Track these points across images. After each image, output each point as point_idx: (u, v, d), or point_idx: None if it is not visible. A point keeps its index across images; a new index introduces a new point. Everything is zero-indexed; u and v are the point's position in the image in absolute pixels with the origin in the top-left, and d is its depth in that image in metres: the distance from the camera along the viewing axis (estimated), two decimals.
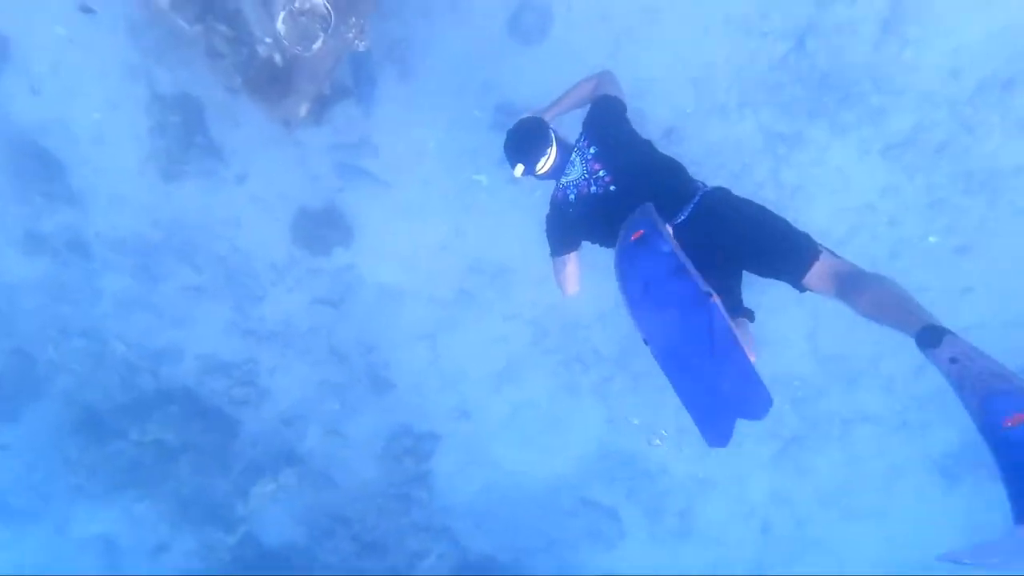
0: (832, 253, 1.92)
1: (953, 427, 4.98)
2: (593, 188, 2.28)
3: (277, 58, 2.78)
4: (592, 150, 2.32)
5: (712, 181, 2.19)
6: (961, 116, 3.86)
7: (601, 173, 2.29)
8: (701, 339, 1.69)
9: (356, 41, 2.83)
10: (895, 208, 4.19)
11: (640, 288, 1.81)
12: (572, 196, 2.33)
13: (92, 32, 3.76)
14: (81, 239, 4.38)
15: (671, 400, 5.24)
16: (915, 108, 3.86)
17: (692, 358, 1.74)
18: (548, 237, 2.50)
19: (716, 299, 1.65)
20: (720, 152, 4.20)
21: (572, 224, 2.37)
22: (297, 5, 2.77)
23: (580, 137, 2.44)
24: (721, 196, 2.12)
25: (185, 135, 3.78)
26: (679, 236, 1.97)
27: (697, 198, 2.08)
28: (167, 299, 4.44)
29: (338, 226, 4.23)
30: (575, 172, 2.34)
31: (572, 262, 2.55)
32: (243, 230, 4.29)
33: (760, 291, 2.23)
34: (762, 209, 2.07)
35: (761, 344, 4.94)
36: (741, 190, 2.16)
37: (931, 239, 4.28)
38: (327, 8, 2.78)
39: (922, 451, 5.13)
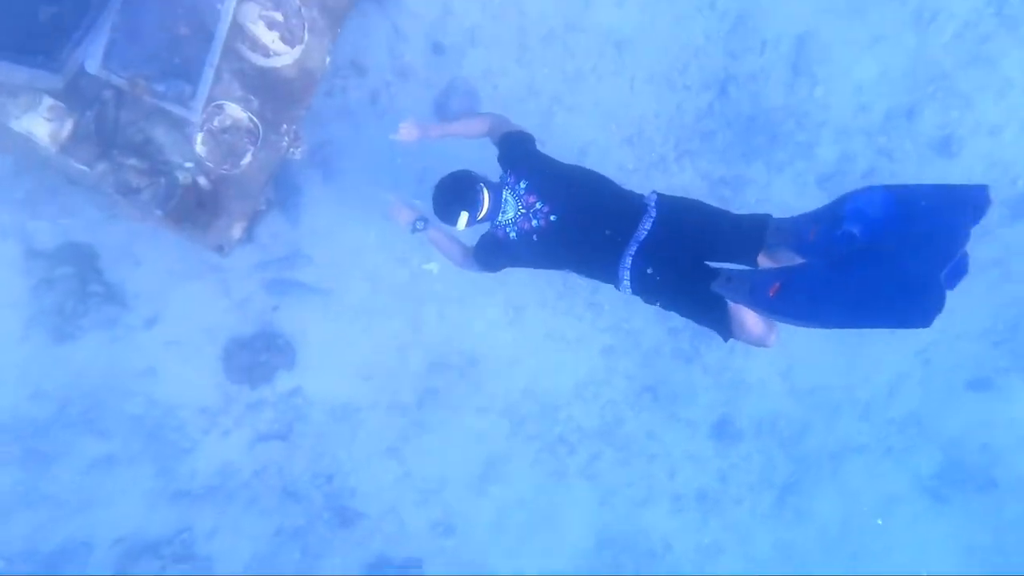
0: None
1: (935, 445, 5.24)
2: (534, 222, 2.38)
3: (202, 181, 2.53)
4: (523, 184, 2.41)
5: None
6: (877, 144, 4.29)
7: (538, 205, 2.40)
8: (865, 262, 1.81)
9: (291, 149, 2.65)
10: None
11: (807, 303, 1.85)
12: (513, 233, 2.43)
13: None
14: None
15: (662, 466, 5.12)
16: (836, 140, 4.24)
17: (868, 282, 1.77)
18: (484, 262, 2.62)
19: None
20: None
21: (517, 256, 2.51)
22: (216, 123, 2.56)
23: (505, 175, 2.56)
24: (671, 202, 2.41)
25: (79, 285, 3.34)
26: (649, 248, 2.27)
27: (654, 211, 2.34)
28: (65, 483, 3.75)
29: (278, 348, 3.85)
30: (510, 210, 2.43)
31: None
32: (160, 379, 3.79)
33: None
34: (703, 204, 2.46)
35: (740, 389, 5.02)
36: None
37: None
38: (253, 121, 2.59)
39: (911, 476, 5.36)
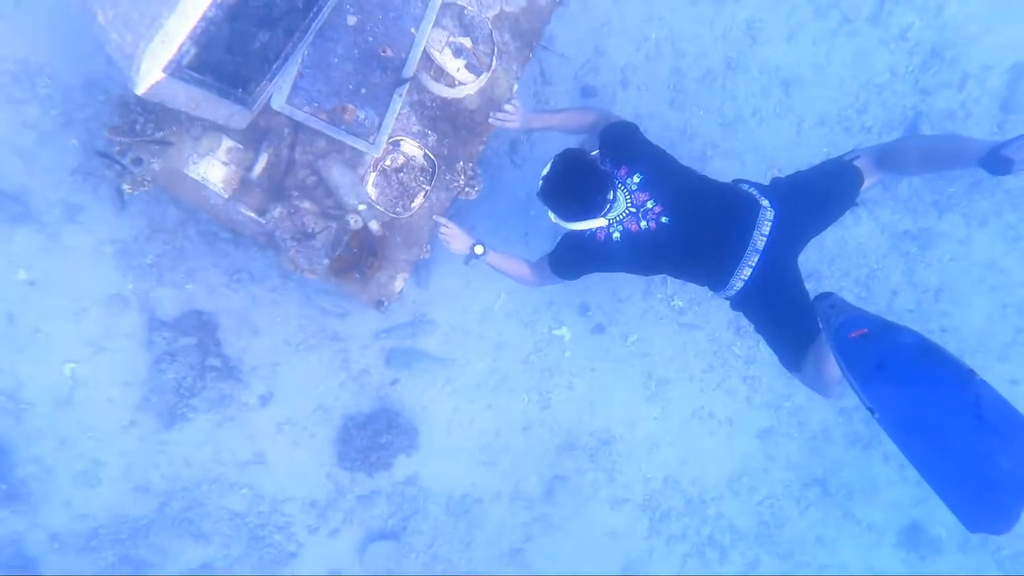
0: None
1: None
2: (643, 223, 2.24)
3: (374, 226, 2.34)
4: (636, 178, 2.26)
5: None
6: None
7: (650, 204, 2.26)
8: (961, 414, 1.66)
9: (466, 188, 2.45)
10: None
11: (873, 367, 1.76)
12: (616, 234, 2.27)
13: (66, 265, 3.25)
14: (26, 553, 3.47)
15: None
16: None
17: (947, 433, 1.70)
18: (567, 268, 2.45)
19: (979, 377, 1.66)
20: (842, 258, 4.00)
21: (611, 261, 2.36)
22: (390, 162, 2.38)
23: (614, 168, 2.38)
24: (784, 191, 2.38)
25: (199, 358, 3.23)
26: (770, 254, 2.24)
27: (769, 208, 2.29)
28: None
29: (400, 429, 3.58)
30: (619, 207, 2.25)
31: None
32: (269, 468, 3.58)
33: None
34: (804, 175, 2.49)
35: None
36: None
37: None
38: (429, 159, 2.41)
39: None
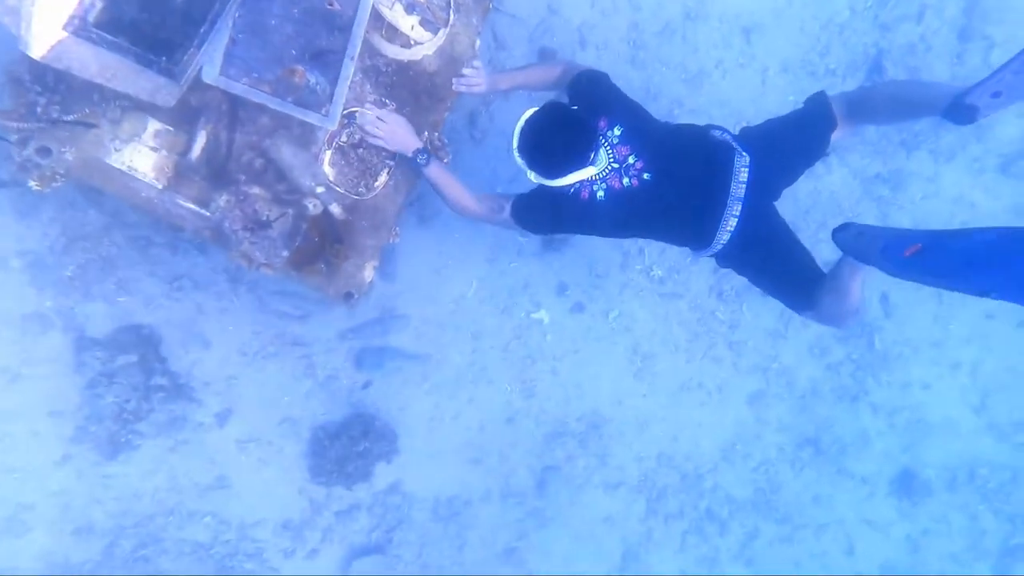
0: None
1: None
2: (625, 180, 2.15)
3: (336, 210, 2.13)
4: (617, 131, 2.16)
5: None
6: None
7: (631, 159, 2.17)
8: None
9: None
10: None
11: (961, 267, 1.76)
12: (601, 193, 2.15)
13: None
14: None
15: (836, 539, 4.52)
16: (1021, 114, 3.90)
17: None
18: (537, 223, 2.32)
19: None
20: (817, 207, 3.99)
21: (595, 224, 2.24)
22: (346, 138, 2.15)
23: (593, 118, 2.24)
24: (755, 134, 2.34)
25: (143, 378, 2.92)
26: (752, 203, 2.19)
27: (744, 153, 2.22)
28: None
29: (378, 434, 3.37)
30: (600, 162, 2.15)
31: None
32: (233, 491, 3.31)
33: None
34: (777, 120, 2.40)
35: (922, 430, 4.48)
36: None
37: None
38: None
39: None
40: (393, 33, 2.17)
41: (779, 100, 3.85)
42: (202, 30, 1.86)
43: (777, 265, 2.37)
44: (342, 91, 2.05)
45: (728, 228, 2.23)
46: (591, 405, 3.97)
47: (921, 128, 3.95)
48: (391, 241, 2.35)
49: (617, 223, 2.25)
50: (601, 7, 3.56)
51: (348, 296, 2.31)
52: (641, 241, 3.85)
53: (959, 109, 1.89)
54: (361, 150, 2.22)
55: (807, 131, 2.38)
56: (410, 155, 2.25)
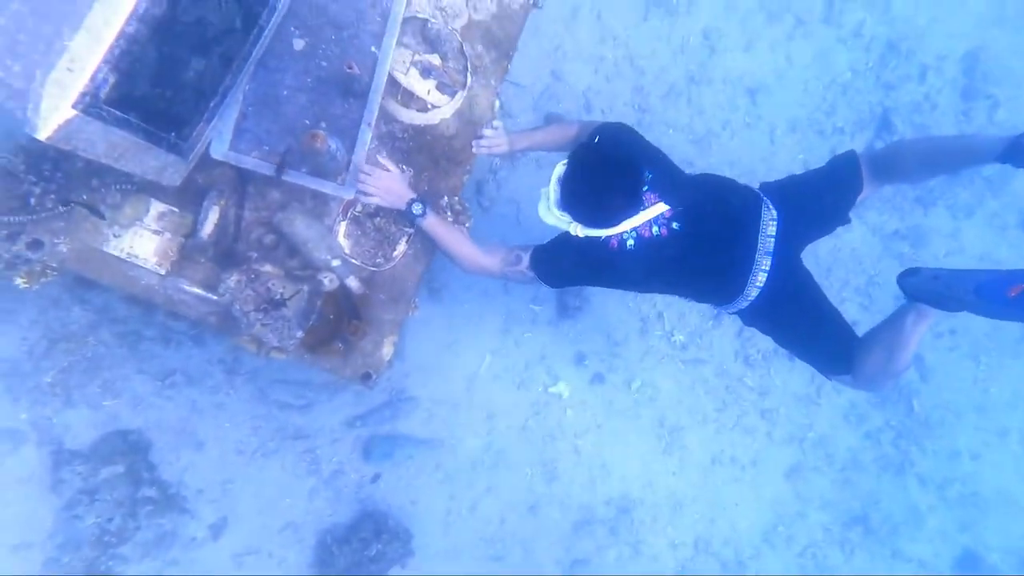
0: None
1: None
2: (655, 229, 2.07)
3: (353, 283, 2.01)
4: (647, 175, 2.08)
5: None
6: None
7: (662, 206, 2.09)
8: None
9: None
10: None
11: None
12: (631, 242, 2.07)
13: None
14: None
15: None
16: None
17: None
18: (560, 274, 2.21)
19: None
20: (838, 265, 3.95)
21: (621, 275, 2.16)
22: (361, 207, 2.06)
23: None
24: (778, 188, 2.28)
25: (130, 491, 2.69)
26: (781, 256, 2.12)
27: (771, 205, 2.17)
28: None
29: (391, 534, 3.10)
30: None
31: None
32: None
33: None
34: (801, 176, 2.36)
35: (978, 505, 4.21)
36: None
37: None
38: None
39: None
40: (409, 98, 2.13)
41: (789, 158, 3.89)
42: (212, 103, 1.80)
43: (808, 324, 2.26)
44: (359, 158, 1.98)
45: (757, 283, 2.14)
46: (619, 487, 3.74)
47: (935, 184, 3.98)
48: (410, 314, 2.22)
49: (644, 275, 2.14)
50: (605, 72, 3.62)
51: (366, 377, 2.15)
52: (660, 305, 3.76)
53: (1020, 150, 1.85)
54: (378, 219, 2.13)
55: (835, 190, 2.32)
56: (404, 207, 2.14)
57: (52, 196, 1.94)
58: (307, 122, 2.01)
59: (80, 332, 2.91)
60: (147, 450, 2.91)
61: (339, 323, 2.07)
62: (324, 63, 2.02)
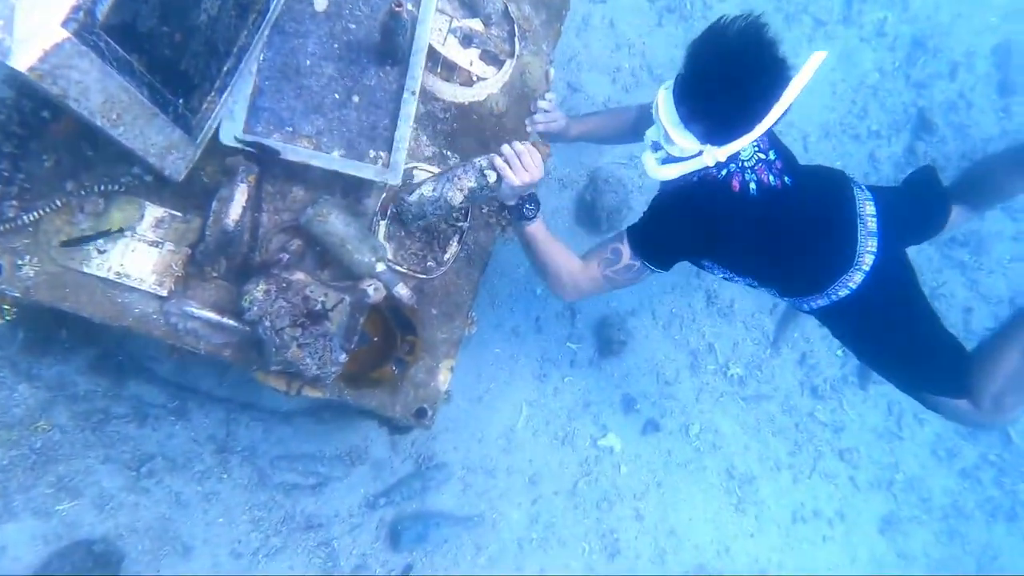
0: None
1: None
2: (771, 178, 1.83)
3: (403, 292, 1.73)
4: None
5: None
6: None
7: (772, 155, 1.87)
8: None
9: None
10: None
11: None
12: (753, 184, 1.81)
13: None
14: None
15: None
16: None
17: None
18: (679, 244, 1.92)
19: None
20: None
21: (736, 234, 1.86)
22: (405, 202, 1.77)
23: None
24: (902, 257, 2.05)
25: None
26: (889, 233, 1.92)
27: (862, 186, 2.02)
28: None
29: None
30: (747, 149, 1.83)
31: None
32: None
33: None
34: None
35: None
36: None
37: None
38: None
39: None
40: (450, 71, 1.91)
41: (827, 164, 3.80)
42: (226, 66, 1.53)
43: (917, 330, 2.01)
44: (404, 135, 1.72)
45: (864, 266, 1.90)
46: (691, 556, 3.32)
47: None
48: (468, 332, 1.90)
49: (759, 237, 1.87)
50: (623, 82, 3.51)
51: (421, 414, 1.79)
52: (709, 335, 3.51)
53: None
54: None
55: (923, 198, 2.20)
56: (516, 202, 1.81)
57: (12, 204, 1.61)
58: (336, 96, 1.76)
59: (26, 417, 2.47)
60: (119, 563, 2.42)
61: (387, 344, 1.74)
62: (352, 25, 1.80)
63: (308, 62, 1.77)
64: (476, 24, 1.97)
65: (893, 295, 1.97)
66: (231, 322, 1.66)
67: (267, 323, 1.54)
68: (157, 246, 1.69)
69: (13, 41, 1.08)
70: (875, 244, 1.91)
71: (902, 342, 2.03)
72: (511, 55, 2.04)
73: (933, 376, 2.00)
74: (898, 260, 2.02)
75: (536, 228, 1.87)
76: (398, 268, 1.82)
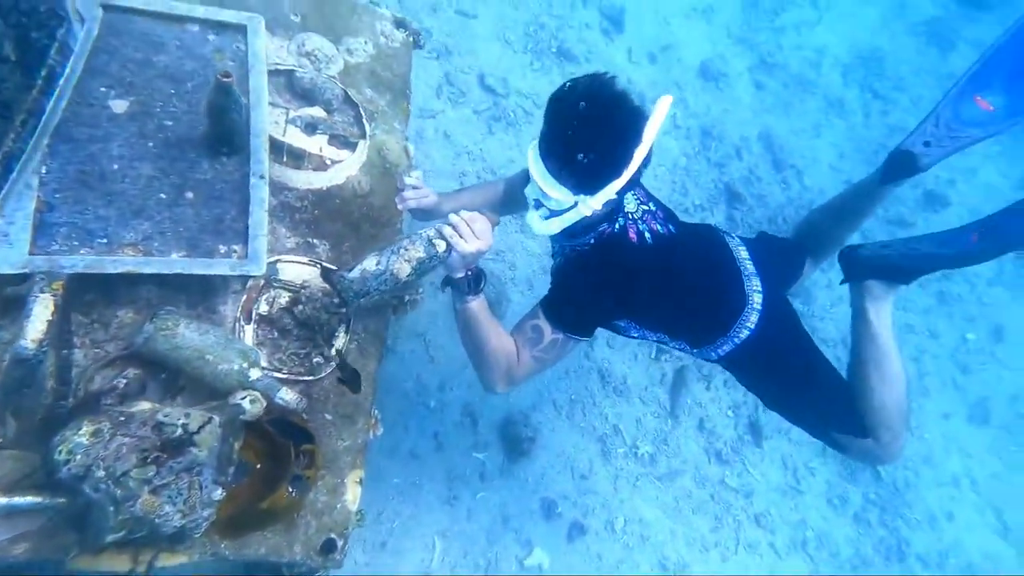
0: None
1: None
2: (658, 227, 1.88)
3: (289, 397, 1.39)
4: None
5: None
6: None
7: (652, 206, 1.94)
8: None
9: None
10: None
11: None
12: (647, 233, 1.83)
13: None
14: None
15: None
16: None
17: None
18: (590, 306, 1.82)
19: None
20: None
21: (647, 286, 1.82)
22: (265, 307, 1.48)
23: None
24: (783, 298, 2.09)
25: None
26: (766, 277, 1.96)
27: (734, 235, 2.09)
28: None
29: None
30: (631, 202, 1.87)
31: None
32: None
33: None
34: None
35: None
36: None
37: None
38: (331, 271, 1.63)
39: None
40: (299, 158, 1.73)
41: None
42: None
43: (812, 369, 2.01)
44: (260, 220, 1.48)
45: (755, 304, 1.90)
46: None
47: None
48: (373, 434, 1.57)
49: (664, 283, 1.83)
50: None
51: (329, 547, 1.39)
52: (611, 416, 3.39)
53: (897, 163, 2.03)
54: (300, 307, 1.56)
55: (780, 246, 2.31)
56: (461, 275, 1.64)
57: None
58: (163, 196, 1.49)
59: None
60: None
61: (275, 466, 1.38)
62: (169, 122, 1.61)
63: (115, 166, 1.52)
64: (317, 111, 1.85)
65: (787, 334, 1.99)
66: (27, 499, 1.21)
67: (99, 473, 1.14)
68: None
69: None
70: (758, 283, 1.93)
71: (803, 380, 2.02)
72: (363, 136, 1.94)
73: (838, 414, 1.97)
74: (783, 299, 2.06)
75: (479, 305, 1.71)
76: (277, 374, 1.51)
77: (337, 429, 1.55)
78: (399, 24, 2.22)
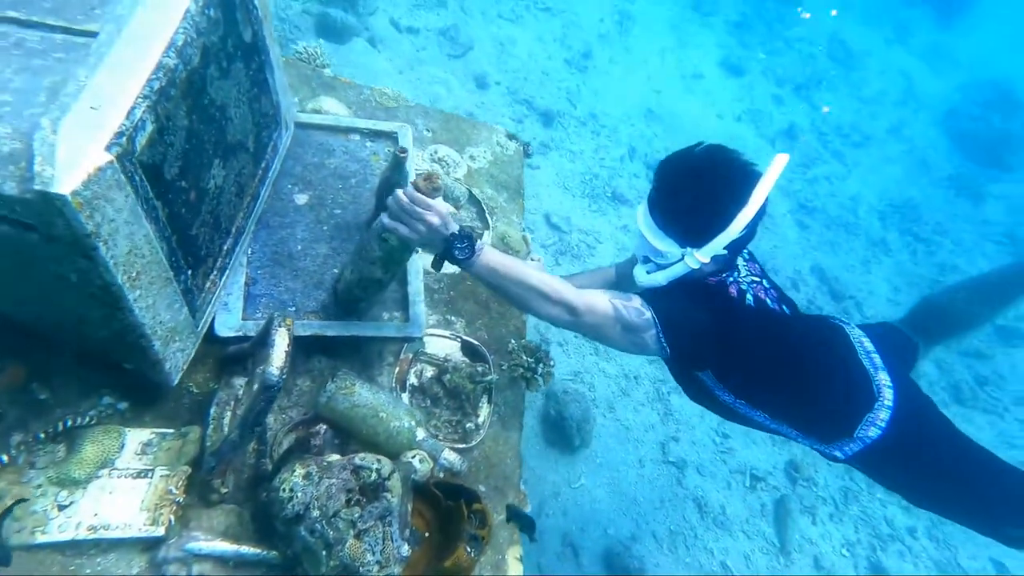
0: None
1: None
2: (768, 300, 1.81)
3: (452, 457, 1.42)
4: (745, 251, 1.87)
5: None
6: None
7: (765, 283, 1.87)
8: None
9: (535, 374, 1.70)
10: None
11: None
12: (750, 297, 1.76)
13: None
14: None
15: None
16: None
17: None
18: (676, 314, 1.63)
19: None
20: None
21: (745, 336, 1.70)
22: (414, 378, 1.53)
23: None
24: (916, 388, 1.90)
25: None
26: (896, 371, 1.81)
27: (854, 326, 1.94)
28: None
29: None
30: (742, 270, 1.84)
31: None
32: None
33: None
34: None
35: None
36: None
37: None
38: (471, 345, 1.71)
39: None
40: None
41: None
42: (226, 245, 1.39)
43: (976, 458, 1.82)
44: (417, 289, 1.60)
45: (886, 401, 1.74)
46: None
47: None
48: (523, 506, 1.51)
49: (764, 345, 1.71)
50: None
51: None
52: (718, 552, 3.16)
53: None
54: (447, 376, 1.61)
55: (894, 332, 2.20)
56: (442, 248, 1.48)
57: None
58: (336, 270, 1.69)
59: None
60: None
61: (445, 534, 1.33)
62: (338, 211, 1.89)
63: (299, 247, 1.77)
64: (449, 207, 2.08)
65: (929, 428, 1.82)
66: (253, 549, 1.23)
67: (315, 512, 1.14)
68: (145, 476, 1.30)
69: (55, 169, 0.92)
70: (887, 377, 1.78)
71: (961, 477, 1.82)
72: (487, 227, 2.19)
73: (1013, 508, 1.78)
74: (917, 391, 1.89)
75: (487, 257, 1.53)
76: (435, 439, 1.51)
77: (492, 502, 1.52)
78: (511, 136, 2.58)
